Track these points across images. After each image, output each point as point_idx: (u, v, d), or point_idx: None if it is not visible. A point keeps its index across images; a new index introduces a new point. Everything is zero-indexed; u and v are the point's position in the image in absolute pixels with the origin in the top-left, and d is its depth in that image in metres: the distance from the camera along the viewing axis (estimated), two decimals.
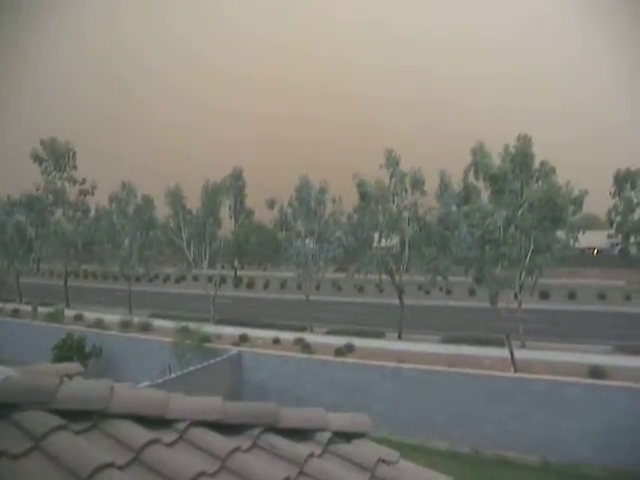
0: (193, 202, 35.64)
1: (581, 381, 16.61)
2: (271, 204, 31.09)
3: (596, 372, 18.72)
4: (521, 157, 22.87)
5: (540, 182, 23.18)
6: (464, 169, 24.50)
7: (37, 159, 40.55)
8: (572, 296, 41.33)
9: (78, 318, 33.87)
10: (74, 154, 41.56)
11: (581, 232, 25.08)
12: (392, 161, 28.03)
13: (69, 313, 35.13)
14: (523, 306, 25.55)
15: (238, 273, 62.76)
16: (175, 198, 34.85)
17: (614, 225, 37.71)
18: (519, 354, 21.40)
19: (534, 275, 25.12)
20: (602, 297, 40.25)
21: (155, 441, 2.22)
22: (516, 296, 24.43)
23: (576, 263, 46.36)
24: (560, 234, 24.39)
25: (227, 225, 37.62)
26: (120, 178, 38.47)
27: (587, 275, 52.50)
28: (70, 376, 2.73)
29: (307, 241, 31.08)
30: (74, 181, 41.94)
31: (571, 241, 24.69)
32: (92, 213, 43.51)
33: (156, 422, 2.38)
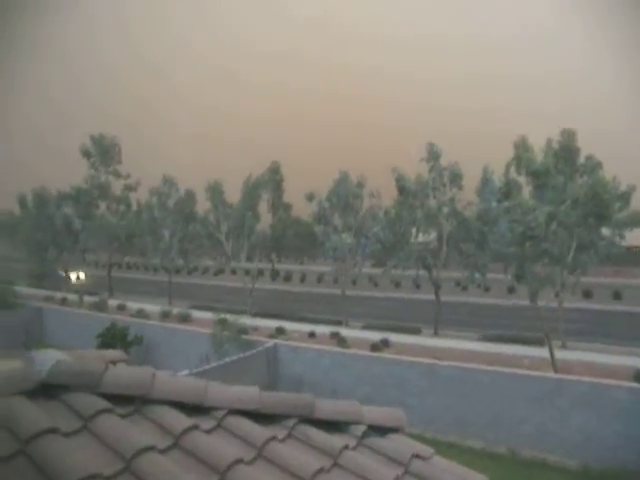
0: (232, 193, 36.14)
1: (626, 384, 16.00)
2: (310, 197, 31.13)
3: None
4: (565, 151, 22.14)
5: (585, 177, 22.39)
6: (505, 164, 23.92)
7: (85, 154, 41.86)
8: (617, 296, 39.78)
9: (121, 308, 34.98)
10: (119, 149, 42.73)
11: (629, 229, 24.06)
12: (433, 155, 27.58)
13: (112, 303, 36.34)
14: (565, 305, 24.80)
15: (275, 266, 63.33)
16: (215, 193, 35.45)
17: None
18: (560, 354, 20.81)
19: (577, 273, 24.33)
20: None
21: (194, 427, 2.30)
22: (557, 294, 23.74)
23: (622, 262, 44.59)
24: (605, 231, 23.51)
25: (265, 219, 38.01)
26: (157, 166, 39.45)
27: (634, 274, 50.40)
28: (114, 362, 2.85)
29: (344, 236, 31.05)
30: (119, 175, 43.12)
31: (617, 238, 23.70)
32: (134, 207, 44.75)
33: (195, 409, 2.46)
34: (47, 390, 2.21)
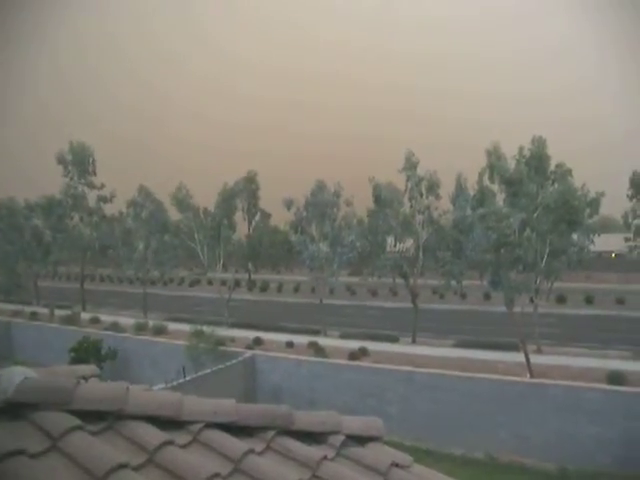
0: (208, 200, 35.74)
1: (599, 387, 16.34)
2: (288, 204, 31.06)
3: (615, 378, 18.39)
4: (536, 159, 22.64)
5: (556, 184, 22.92)
6: (479, 172, 24.33)
7: (61, 162, 40.79)
8: (589, 300, 40.69)
9: (94, 321, 34.24)
10: (93, 160, 41.78)
11: (597, 235, 24.68)
12: (410, 164, 27.85)
13: (85, 316, 35.56)
14: (539, 310, 25.25)
15: (252, 277, 62.97)
16: (182, 202, 34.95)
17: (632, 228, 37.13)
18: (535, 359, 21.14)
19: (550, 279, 24.82)
20: (621, 302, 39.57)
21: (169, 442, 2.24)
22: (532, 300, 24.16)
23: (593, 267, 45.65)
24: (576, 237, 24.09)
25: (240, 228, 37.75)
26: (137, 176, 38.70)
27: (605, 279, 51.67)
28: (86, 378, 2.77)
29: (321, 245, 31.08)
30: (93, 186, 42.19)
31: (587, 243, 24.30)
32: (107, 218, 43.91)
33: (170, 423, 2.40)
34: (14, 409, 2.12)
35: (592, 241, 24.40)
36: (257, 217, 55.05)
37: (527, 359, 20.48)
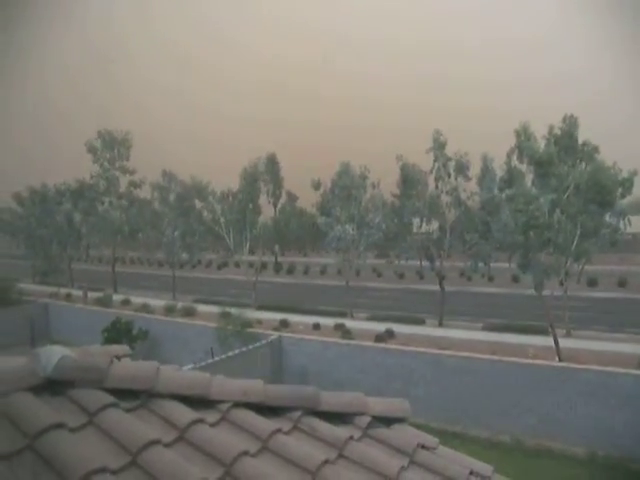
0: (228, 184, 36.12)
1: (631, 372, 15.99)
2: (317, 185, 31.06)
3: None
4: (567, 139, 21.96)
5: (585, 164, 22.19)
6: (507, 152, 23.79)
7: (91, 150, 41.56)
8: (622, 283, 39.60)
9: (125, 303, 35.11)
10: (130, 146, 42.35)
11: (629, 216, 23.96)
12: (438, 145, 27.36)
13: (117, 298, 36.49)
14: (569, 293, 24.76)
15: (278, 259, 63.39)
16: (201, 193, 35.50)
17: None
18: (564, 343, 20.81)
19: (581, 261, 24.22)
20: None
21: (199, 421, 2.30)
22: (562, 283, 23.69)
23: (627, 249, 44.43)
24: (609, 218, 23.36)
25: (265, 210, 37.87)
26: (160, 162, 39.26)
27: (639, 261, 50.24)
28: (119, 357, 2.86)
29: (347, 227, 31.00)
30: (126, 171, 42.87)
31: (621, 224, 23.57)
32: (137, 202, 44.62)
33: (200, 403, 2.46)
34: (53, 386, 2.22)
35: (629, 222, 23.71)
36: (282, 199, 55.21)
37: (556, 343, 20.18)
